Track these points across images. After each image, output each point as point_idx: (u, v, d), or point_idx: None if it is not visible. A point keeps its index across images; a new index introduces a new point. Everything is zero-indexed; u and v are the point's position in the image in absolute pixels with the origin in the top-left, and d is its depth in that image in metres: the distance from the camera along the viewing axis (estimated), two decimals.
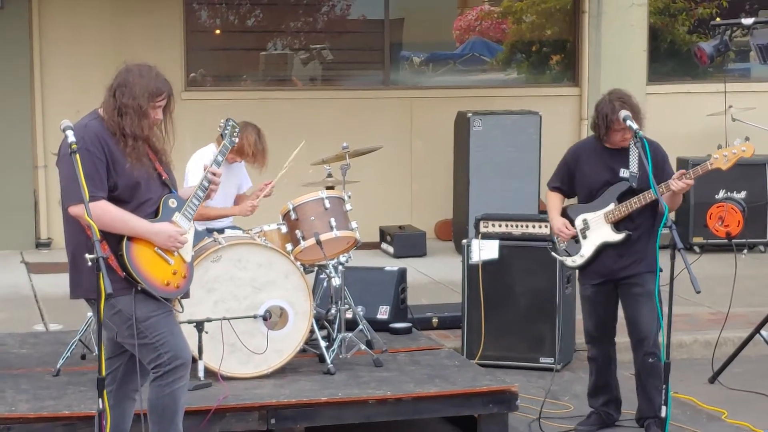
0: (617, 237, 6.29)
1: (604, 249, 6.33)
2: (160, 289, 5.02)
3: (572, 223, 6.43)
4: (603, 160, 6.35)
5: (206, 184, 5.19)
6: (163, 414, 5.10)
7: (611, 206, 6.30)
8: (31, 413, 5.84)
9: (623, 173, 6.29)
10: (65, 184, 4.99)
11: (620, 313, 6.47)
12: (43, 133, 11.22)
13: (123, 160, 4.97)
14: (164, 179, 5.13)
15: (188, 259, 5.17)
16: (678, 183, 6.07)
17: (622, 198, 6.27)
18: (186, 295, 5.26)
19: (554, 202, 6.55)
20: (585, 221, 6.39)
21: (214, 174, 5.19)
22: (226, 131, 5.49)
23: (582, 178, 6.42)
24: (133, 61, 5.14)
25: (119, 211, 4.95)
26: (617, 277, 6.33)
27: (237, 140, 5.54)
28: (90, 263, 4.64)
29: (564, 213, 6.49)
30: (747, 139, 6.18)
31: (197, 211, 7.05)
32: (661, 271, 5.99)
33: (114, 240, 4.91)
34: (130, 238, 4.97)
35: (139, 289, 4.97)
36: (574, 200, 6.60)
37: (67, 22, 11.30)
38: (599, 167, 6.35)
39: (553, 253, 6.60)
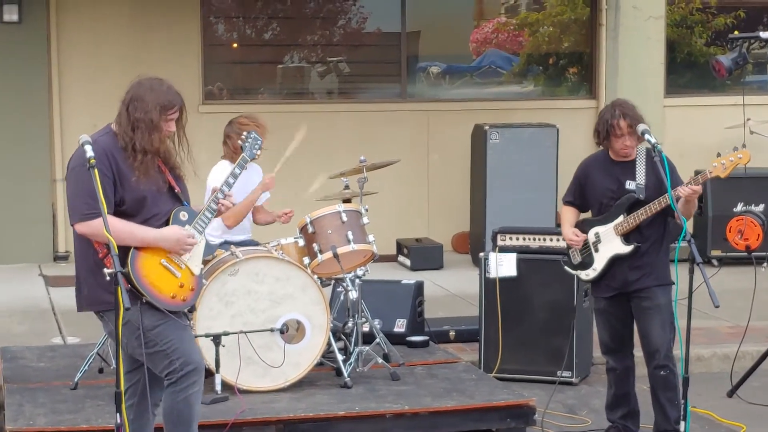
0: (627, 249, 6.29)
1: (615, 262, 6.33)
2: (165, 302, 5.01)
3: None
4: (611, 173, 6.37)
5: (219, 197, 5.19)
6: (178, 421, 5.09)
7: (620, 218, 6.31)
8: (49, 427, 5.85)
9: (629, 185, 6.31)
10: (70, 200, 5.02)
11: None
12: (61, 146, 11.25)
13: (130, 174, 4.98)
14: (176, 192, 5.13)
15: (196, 272, 5.15)
16: (685, 189, 6.08)
17: (630, 210, 6.28)
18: (191, 309, 5.25)
19: (567, 215, 6.57)
20: (597, 234, 6.40)
21: (225, 197, 5.19)
22: (247, 143, 5.50)
23: (592, 191, 6.45)
24: (145, 74, 5.16)
25: (124, 224, 4.95)
26: (629, 291, 6.33)
27: (258, 153, 5.55)
28: (108, 278, 4.65)
29: (578, 227, 6.50)
30: (744, 146, 6.19)
31: (230, 213, 7.08)
32: (672, 284, 5.99)
33: (120, 253, 4.87)
34: (135, 252, 4.97)
35: (144, 301, 4.97)
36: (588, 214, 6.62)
37: (85, 36, 11.34)
38: (607, 180, 6.38)
39: (566, 267, 6.60)
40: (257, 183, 7.49)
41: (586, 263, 6.44)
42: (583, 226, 6.48)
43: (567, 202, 6.59)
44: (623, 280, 6.32)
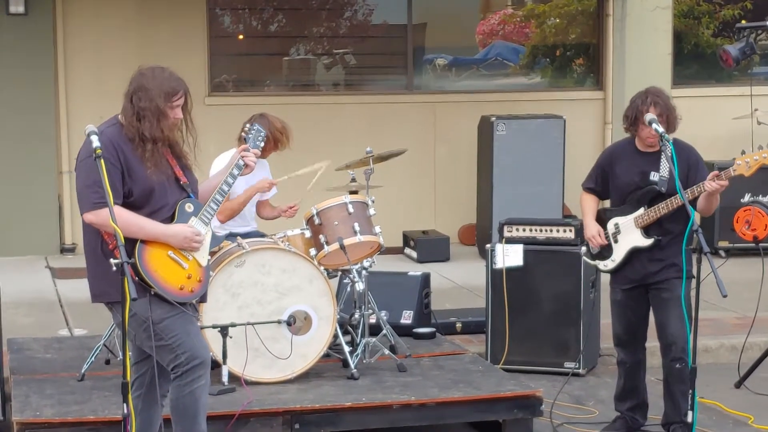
0: (646, 242, 6.26)
1: (634, 254, 6.30)
2: (173, 294, 5.02)
3: (605, 226, 6.41)
4: (635, 163, 6.32)
5: (225, 189, 5.20)
6: (184, 414, 5.11)
7: (641, 211, 6.27)
8: (55, 418, 5.86)
9: (653, 177, 6.26)
10: (80, 191, 5.02)
11: (651, 317, 6.44)
12: (67, 138, 11.26)
13: (139, 166, 4.98)
14: (183, 183, 5.13)
15: (204, 263, 5.15)
16: (712, 184, 6.03)
17: (652, 202, 6.24)
18: (203, 299, 5.26)
19: (588, 204, 6.52)
20: (617, 225, 6.37)
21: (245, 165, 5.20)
22: (250, 135, 5.47)
23: (615, 180, 6.40)
24: (146, 64, 5.15)
25: (134, 216, 4.96)
26: (648, 282, 6.30)
27: (262, 145, 5.52)
28: (114, 268, 4.66)
29: (599, 215, 6.47)
30: None
31: (223, 207, 7.03)
32: (693, 278, 5.95)
33: (128, 245, 4.87)
34: (143, 243, 4.97)
35: (153, 293, 4.97)
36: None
37: (91, 28, 11.34)
38: (631, 170, 6.33)
39: (585, 257, 6.59)
40: (263, 177, 7.47)
41: (605, 254, 6.41)
42: (603, 215, 6.45)
43: (588, 189, 6.53)
44: (643, 272, 6.28)
